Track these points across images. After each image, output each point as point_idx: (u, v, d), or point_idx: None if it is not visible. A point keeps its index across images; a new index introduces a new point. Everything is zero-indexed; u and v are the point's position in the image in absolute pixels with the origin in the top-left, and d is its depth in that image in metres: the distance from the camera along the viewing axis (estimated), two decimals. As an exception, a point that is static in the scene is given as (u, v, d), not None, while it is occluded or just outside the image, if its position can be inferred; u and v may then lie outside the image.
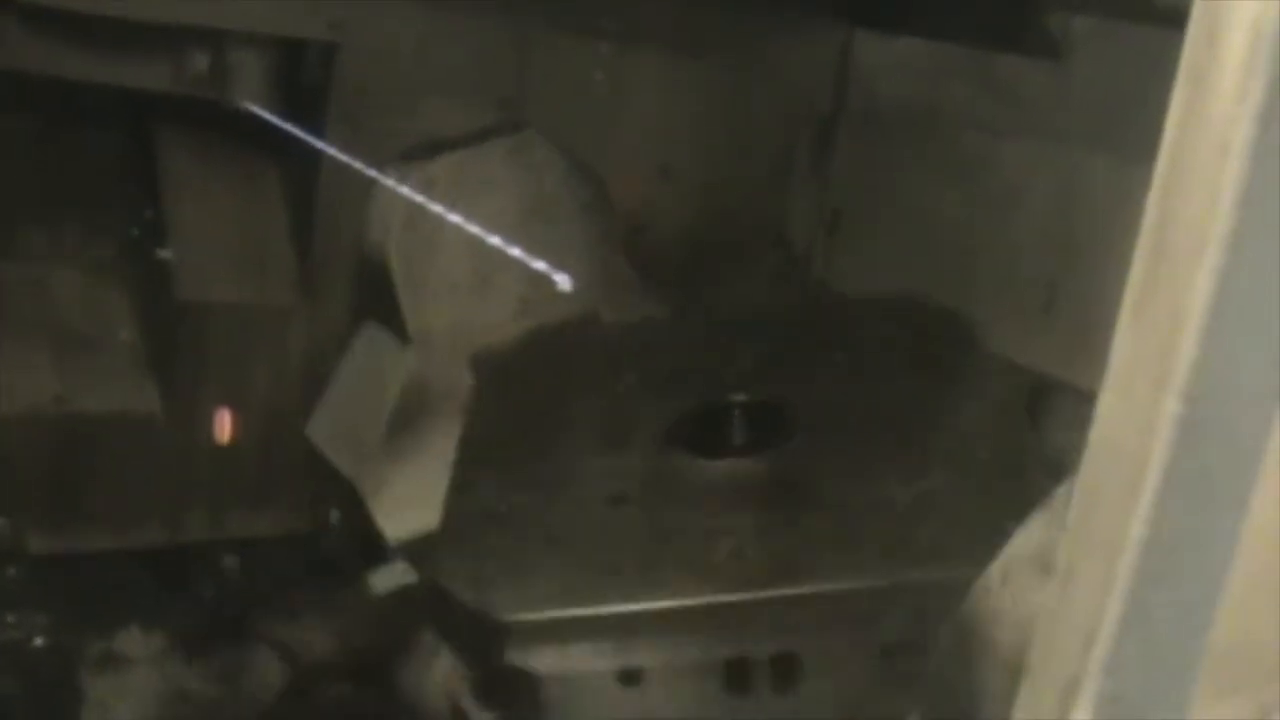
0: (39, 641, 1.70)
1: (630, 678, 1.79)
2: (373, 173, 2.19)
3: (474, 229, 1.93)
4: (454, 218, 1.98)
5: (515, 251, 1.89)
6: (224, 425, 1.55)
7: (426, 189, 2.21)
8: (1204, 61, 0.74)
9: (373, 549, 2.30)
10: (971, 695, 1.36)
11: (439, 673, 1.92)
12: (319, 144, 2.31)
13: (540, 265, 1.89)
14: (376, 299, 2.38)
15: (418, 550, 2.18)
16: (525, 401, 2.28)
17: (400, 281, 2.32)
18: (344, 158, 2.24)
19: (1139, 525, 0.78)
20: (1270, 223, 0.73)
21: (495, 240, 1.90)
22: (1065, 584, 0.83)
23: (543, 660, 1.77)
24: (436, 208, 2.02)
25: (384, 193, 2.25)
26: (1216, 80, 0.73)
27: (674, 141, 2.77)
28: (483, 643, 1.80)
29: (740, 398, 2.19)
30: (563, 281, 1.90)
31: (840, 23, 2.89)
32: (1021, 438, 2.05)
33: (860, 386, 2.22)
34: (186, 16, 2.28)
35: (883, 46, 2.87)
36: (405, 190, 2.15)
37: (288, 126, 2.31)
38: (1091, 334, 0.90)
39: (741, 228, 2.91)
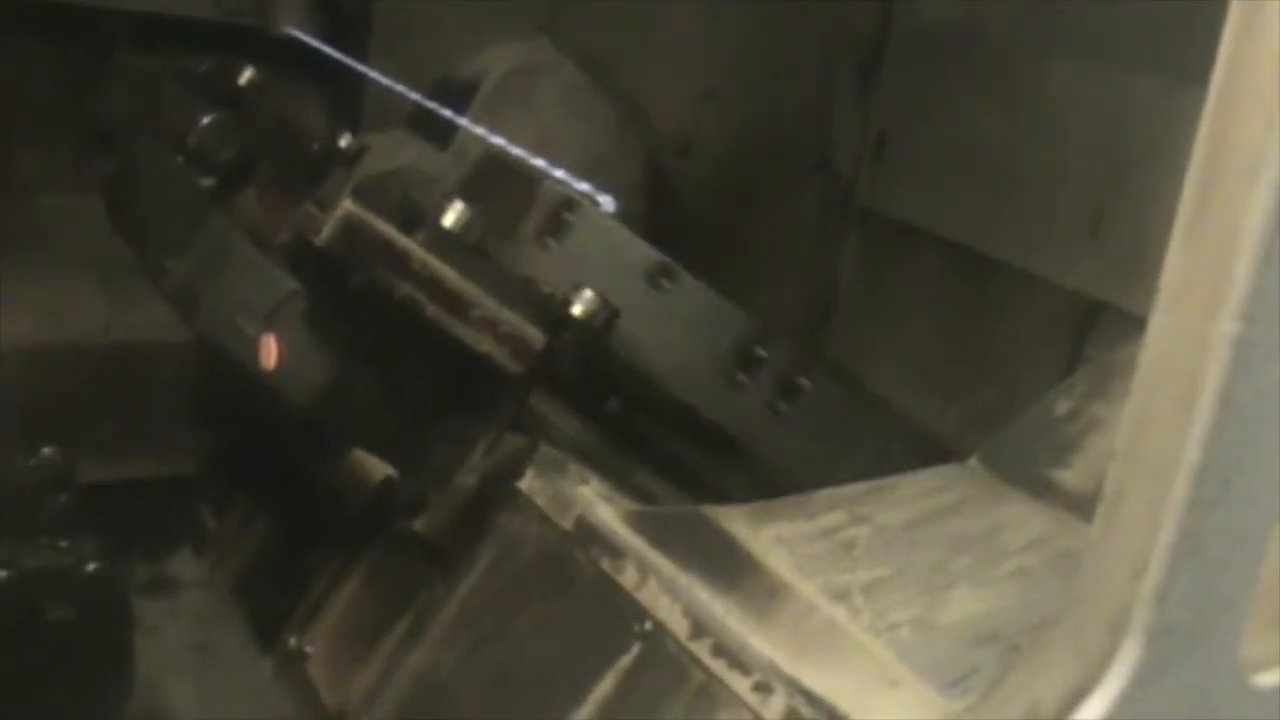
0: (90, 567, 1.71)
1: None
2: (415, 97, 2.18)
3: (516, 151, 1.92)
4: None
5: (559, 173, 1.88)
6: (270, 351, 1.55)
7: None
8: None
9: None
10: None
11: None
12: (362, 70, 2.30)
13: (583, 185, 1.87)
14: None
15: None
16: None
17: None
18: (387, 83, 2.23)
19: (1192, 450, 0.76)
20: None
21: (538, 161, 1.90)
22: (1113, 510, 0.82)
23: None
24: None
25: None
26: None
27: (719, 65, 2.75)
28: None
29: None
30: (606, 202, 1.89)
31: (886, -55, 2.86)
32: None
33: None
34: (228, -57, 2.27)
35: (929, -32, 2.84)
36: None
37: (331, 52, 2.30)
38: (1139, 256, 0.89)
39: (787, 151, 2.89)
